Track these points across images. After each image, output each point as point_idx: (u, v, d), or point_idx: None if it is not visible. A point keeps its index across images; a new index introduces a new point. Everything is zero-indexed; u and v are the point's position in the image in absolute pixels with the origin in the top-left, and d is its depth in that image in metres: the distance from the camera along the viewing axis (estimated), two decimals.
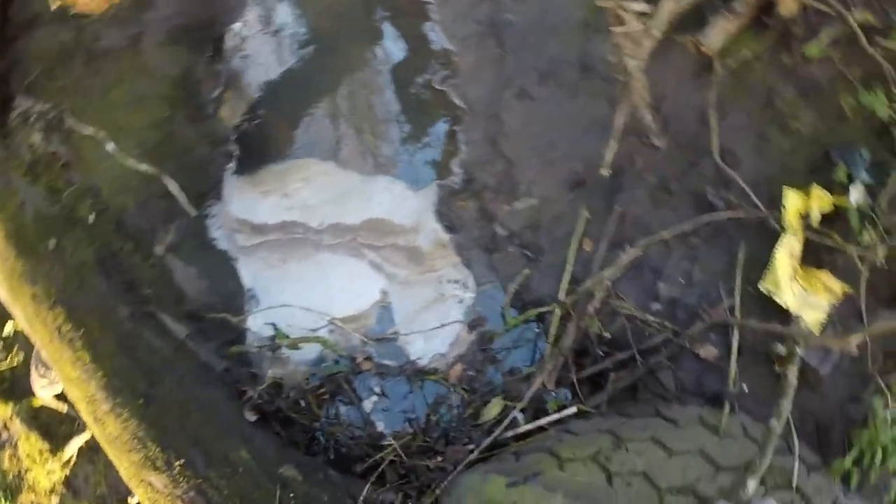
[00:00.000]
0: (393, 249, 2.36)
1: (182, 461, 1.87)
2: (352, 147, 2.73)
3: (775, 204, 2.06)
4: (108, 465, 2.29)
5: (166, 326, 2.29)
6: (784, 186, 2.08)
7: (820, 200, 2.02)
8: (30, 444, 2.41)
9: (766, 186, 2.17)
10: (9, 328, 2.55)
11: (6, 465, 2.47)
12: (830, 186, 2.14)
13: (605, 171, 2.18)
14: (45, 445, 2.42)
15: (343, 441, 2.20)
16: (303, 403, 2.23)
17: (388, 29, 3.09)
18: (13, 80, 2.87)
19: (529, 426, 2.12)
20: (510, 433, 2.10)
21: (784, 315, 2.05)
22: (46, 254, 2.30)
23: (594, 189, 2.27)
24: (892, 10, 2.28)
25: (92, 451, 2.42)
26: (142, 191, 2.58)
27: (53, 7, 3.02)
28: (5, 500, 2.47)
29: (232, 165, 2.68)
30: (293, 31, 3.16)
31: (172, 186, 2.54)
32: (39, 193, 2.56)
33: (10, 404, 2.45)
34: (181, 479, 1.85)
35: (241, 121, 2.90)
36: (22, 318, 2.25)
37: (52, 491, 2.41)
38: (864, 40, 2.20)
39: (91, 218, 2.49)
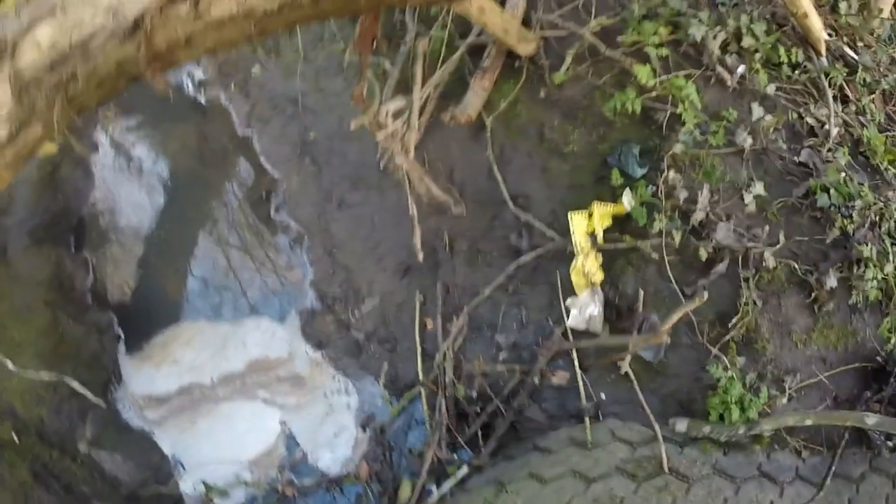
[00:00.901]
0: (277, 381, 2.64)
1: None
2: (250, 274, 2.96)
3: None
4: None
5: None
6: (572, 210, 2.30)
7: (601, 216, 2.27)
8: None
9: (563, 212, 2.41)
10: None
11: None
12: (614, 191, 2.36)
13: (420, 256, 2.44)
14: None
15: None
16: None
17: (235, 159, 3.35)
18: None
19: (436, 496, 2.37)
20: None
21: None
22: None
23: (420, 271, 2.54)
24: (625, 5, 2.48)
25: None
26: (51, 398, 2.84)
27: None
28: None
29: (122, 347, 2.94)
30: (155, 174, 3.40)
31: (77, 385, 2.80)
32: None
33: None
34: None
35: (132, 276, 3.11)
36: None
37: None
38: (602, 47, 2.40)
39: (15, 438, 2.75)
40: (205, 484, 2.61)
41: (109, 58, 1.29)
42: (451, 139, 2.56)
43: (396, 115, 2.43)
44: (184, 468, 2.68)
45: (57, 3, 1.15)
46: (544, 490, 2.16)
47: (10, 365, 2.85)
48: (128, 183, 3.46)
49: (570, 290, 2.37)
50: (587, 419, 2.29)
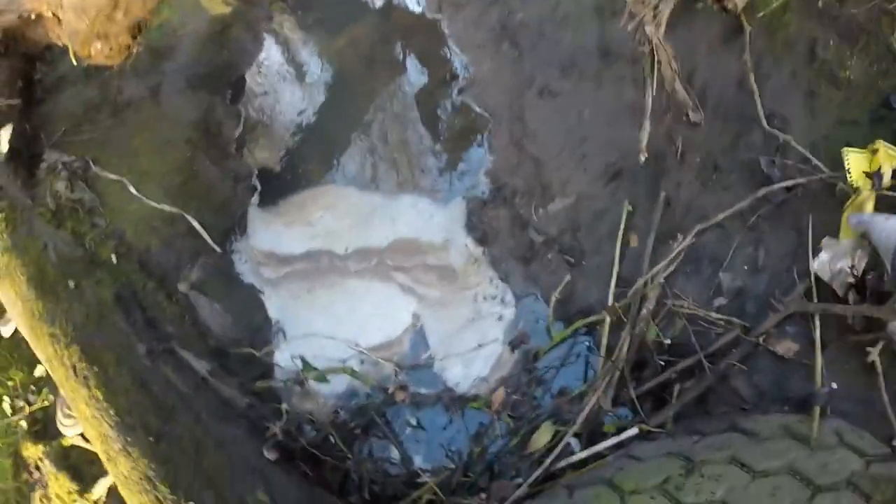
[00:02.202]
0: (423, 269, 2.56)
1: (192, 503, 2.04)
2: (391, 182, 2.97)
3: (838, 165, 2.08)
4: None
5: (188, 363, 2.51)
6: (843, 146, 2.10)
7: (889, 158, 2.02)
8: (59, 484, 2.74)
9: (825, 146, 2.24)
10: (39, 370, 2.95)
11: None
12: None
13: (642, 157, 2.28)
14: (74, 486, 2.74)
15: (377, 479, 2.29)
16: (332, 440, 2.34)
17: (407, 56, 3.39)
18: (42, 138, 3.34)
19: (584, 454, 2.19)
20: (563, 463, 2.22)
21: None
22: (66, 294, 2.65)
23: (634, 178, 2.39)
24: None
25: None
26: (166, 231, 2.96)
27: (76, 63, 3.54)
28: None
29: (255, 199, 3.04)
30: (318, 70, 3.51)
31: (197, 225, 2.84)
32: (63, 238, 2.97)
33: (41, 445, 2.77)
34: None
35: (277, 162, 3.19)
36: (43, 359, 2.58)
37: None
38: None
39: (114, 259, 2.81)
40: (303, 360, 2.54)
41: None
42: (699, 34, 2.44)
43: None
44: (285, 337, 2.64)
45: None
46: (755, 485, 1.90)
47: (131, 189, 2.98)
48: (290, 61, 3.58)
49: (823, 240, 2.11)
50: (816, 409, 1.99)
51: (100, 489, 2.72)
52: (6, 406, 2.99)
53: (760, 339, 2.15)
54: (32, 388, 3.02)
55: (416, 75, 3.38)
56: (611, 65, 2.57)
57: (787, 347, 2.17)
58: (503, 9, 2.99)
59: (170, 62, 3.60)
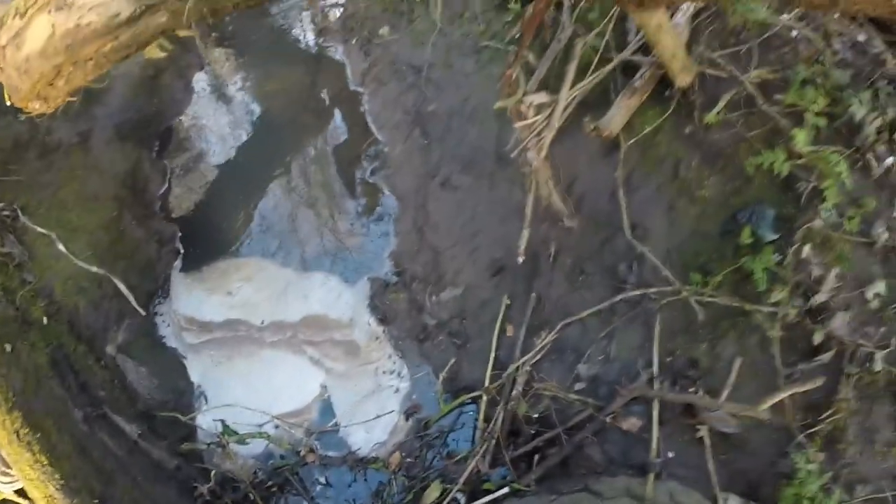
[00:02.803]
0: (331, 344, 3.09)
1: None
2: (309, 222, 3.47)
3: (688, 271, 2.70)
4: None
5: (119, 427, 2.98)
6: (694, 255, 2.72)
7: None
8: None
9: (678, 255, 2.86)
10: None
11: None
12: (739, 248, 2.76)
13: (520, 259, 2.86)
14: None
15: None
16: (252, 497, 2.87)
17: (332, 111, 3.86)
18: None
19: None
20: None
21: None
22: (3, 358, 3.01)
23: (514, 275, 2.99)
24: (789, 65, 2.93)
25: None
26: (93, 291, 3.39)
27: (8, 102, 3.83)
28: None
29: (178, 263, 3.47)
30: (245, 109, 3.94)
31: (122, 287, 3.27)
32: None
33: None
34: None
35: (190, 210, 3.62)
36: None
37: None
38: (761, 100, 2.85)
39: (45, 320, 3.20)
40: (224, 425, 3.04)
41: None
42: (580, 149, 3.04)
43: (538, 109, 2.88)
44: (206, 402, 3.13)
45: None
46: None
47: (61, 247, 3.36)
48: (219, 111, 3.98)
49: (667, 339, 2.75)
50: (651, 475, 2.65)
51: None
52: None
53: (609, 417, 2.82)
54: None
55: (338, 132, 3.87)
56: (504, 168, 3.16)
57: (631, 424, 2.86)
58: (419, 95, 3.52)
59: (101, 106, 3.99)
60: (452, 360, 3.01)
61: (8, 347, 3.10)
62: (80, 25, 2.36)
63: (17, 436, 2.86)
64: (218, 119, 4.06)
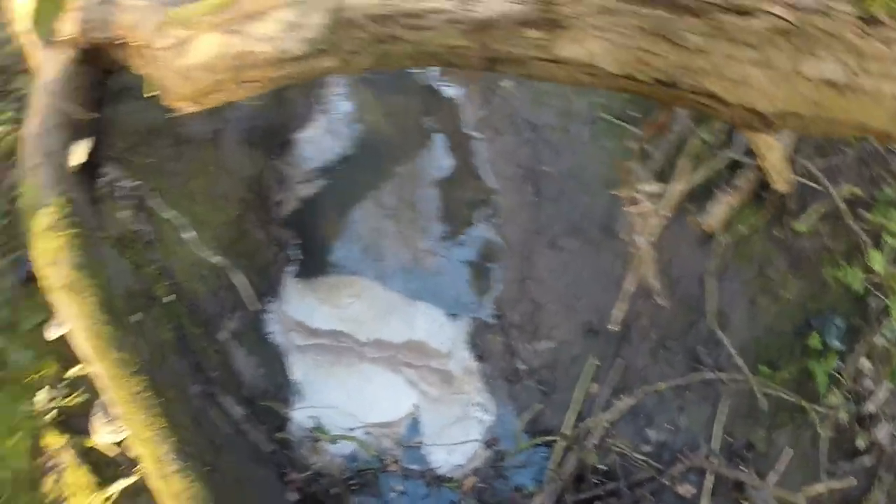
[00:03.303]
0: (428, 370, 3.77)
1: None
2: (415, 253, 4.17)
3: (758, 362, 3.36)
4: None
5: (226, 408, 3.61)
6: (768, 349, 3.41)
7: None
8: (77, 475, 3.65)
9: (753, 347, 3.51)
10: (74, 371, 3.89)
11: (48, 488, 3.61)
12: (807, 350, 3.41)
13: (613, 327, 3.51)
14: (93, 479, 3.58)
15: None
16: (334, 491, 3.51)
17: (441, 148, 4.53)
18: (100, 148, 4.29)
19: None
20: None
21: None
22: (132, 327, 3.66)
23: (605, 339, 3.66)
24: (879, 186, 3.60)
25: (134, 493, 3.62)
26: (212, 281, 4.07)
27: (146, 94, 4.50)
28: None
29: (292, 269, 4.09)
30: (359, 135, 4.63)
31: (241, 281, 3.90)
32: (126, 268, 3.89)
33: (66, 437, 3.75)
34: None
35: (304, 220, 4.34)
36: (101, 375, 3.46)
37: None
38: (848, 216, 3.51)
39: (167, 299, 3.83)
40: (317, 423, 3.66)
41: (444, 40, 2.44)
42: (680, 235, 3.73)
43: (650, 197, 3.55)
44: (303, 398, 3.74)
45: None
46: None
47: (187, 234, 3.97)
48: (335, 130, 4.67)
49: (730, 420, 3.40)
50: None
51: (115, 488, 3.78)
52: (41, 395, 3.92)
53: (668, 481, 3.47)
54: (62, 383, 3.98)
55: (442, 164, 4.53)
56: (610, 239, 3.86)
57: (686, 489, 3.55)
58: (534, 152, 4.22)
59: (233, 109, 4.72)
60: (538, 406, 3.67)
61: (137, 318, 3.75)
62: (251, 52, 2.77)
63: (138, 397, 3.45)
64: (334, 138, 4.77)
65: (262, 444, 3.86)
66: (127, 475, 3.80)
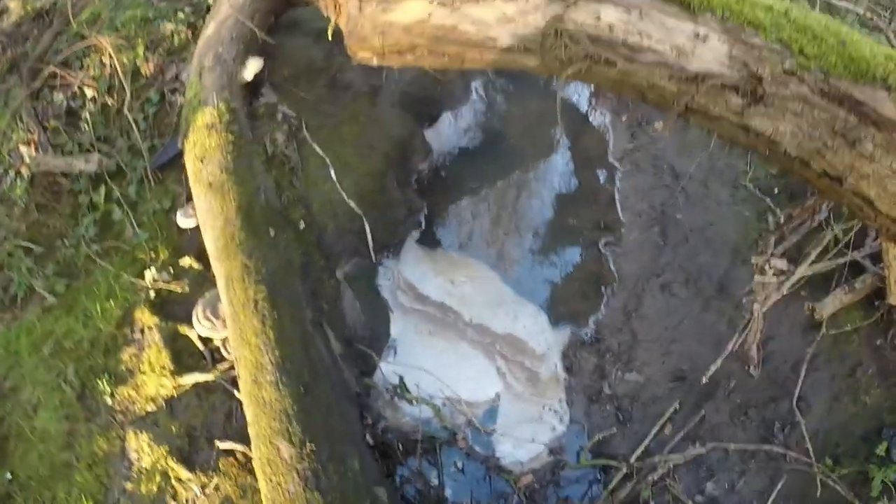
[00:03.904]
0: (519, 366, 4.34)
1: (313, 446, 3.49)
2: (511, 236, 4.70)
3: (825, 453, 3.86)
4: (214, 409, 4.15)
5: (329, 340, 4.21)
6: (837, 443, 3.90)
7: None
8: (156, 356, 4.25)
9: (823, 438, 3.99)
10: (185, 261, 4.59)
11: (125, 357, 4.29)
12: (871, 455, 3.91)
13: (704, 380, 4.05)
14: (171, 365, 4.19)
15: (410, 493, 4.04)
16: (401, 447, 4.09)
17: (566, 156, 5.13)
18: (266, 71, 4.93)
19: None
20: None
21: None
22: (266, 239, 4.21)
23: (690, 388, 4.16)
24: None
25: (205, 391, 4.23)
26: (342, 221, 4.71)
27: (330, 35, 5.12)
28: (107, 382, 4.03)
29: (416, 235, 4.69)
30: (492, 122, 5.23)
31: (367, 231, 4.52)
32: (270, 185, 4.49)
33: (157, 317, 4.37)
34: (305, 458, 3.34)
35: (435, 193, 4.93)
36: (225, 276, 4.08)
37: (152, 399, 4.12)
38: None
39: (301, 224, 4.45)
40: (401, 381, 4.24)
41: (652, 79, 2.87)
42: (788, 315, 4.18)
43: (776, 272, 4.07)
44: (395, 355, 4.34)
45: None
46: None
47: (332, 173, 4.58)
48: (486, 123, 5.29)
49: (783, 496, 3.91)
50: None
51: (188, 380, 4.15)
52: (148, 274, 4.50)
53: None
54: (170, 269, 4.58)
55: (565, 181, 5.12)
56: (721, 299, 4.37)
57: None
58: (670, 197, 4.75)
59: (395, 71, 5.27)
60: (612, 430, 4.21)
61: (272, 232, 4.36)
62: (457, 28, 3.01)
63: (255, 305, 3.88)
64: (477, 127, 5.35)
65: (351, 383, 4.46)
66: (205, 371, 4.37)
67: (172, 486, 3.81)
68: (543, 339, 4.54)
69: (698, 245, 4.69)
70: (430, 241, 4.97)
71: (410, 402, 4.39)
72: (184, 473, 3.84)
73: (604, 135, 5.56)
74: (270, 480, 3.39)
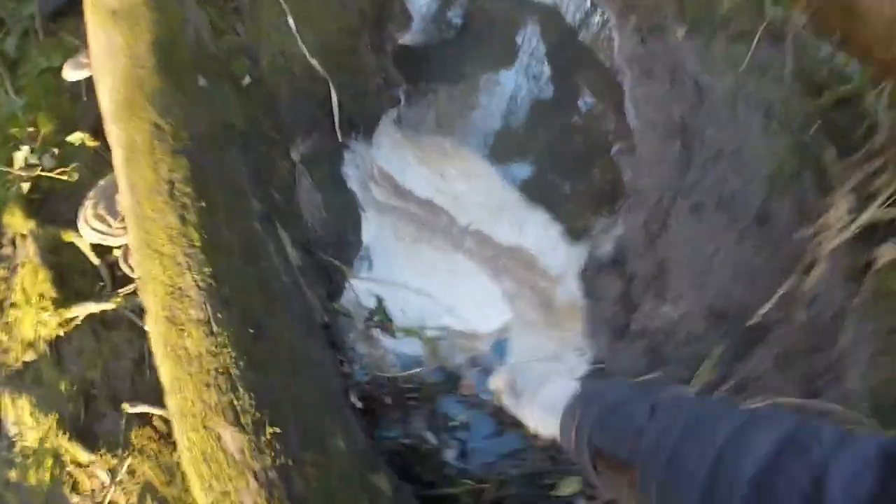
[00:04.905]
0: (530, 289, 3.01)
1: (276, 428, 1.78)
2: (470, 121, 3.41)
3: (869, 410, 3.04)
4: (118, 353, 2.55)
5: (285, 248, 2.68)
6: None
7: None
8: (33, 279, 2.47)
9: (867, 395, 3.14)
10: (75, 137, 2.66)
11: None
12: None
13: (750, 322, 3.06)
14: (51, 291, 2.48)
15: (397, 462, 2.65)
16: (388, 400, 2.69)
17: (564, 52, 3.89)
18: None
19: None
20: None
21: None
22: (192, 89, 2.39)
23: (734, 331, 3.13)
24: None
25: (103, 326, 2.51)
26: (300, 83, 3.00)
27: None
28: None
29: (394, 114, 3.21)
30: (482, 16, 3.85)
31: (334, 97, 2.99)
32: (202, 20, 2.77)
33: (33, 222, 2.52)
34: (267, 450, 1.75)
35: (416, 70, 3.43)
36: (121, 144, 2.26)
37: (30, 345, 2.46)
38: None
39: (246, 80, 2.86)
40: (381, 303, 2.84)
41: None
42: (836, 263, 3.32)
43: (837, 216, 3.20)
44: (371, 268, 2.90)
45: None
46: None
47: (291, 22, 3.05)
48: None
49: None
50: None
51: (79, 311, 2.47)
52: (20, 155, 2.71)
53: None
54: (55, 151, 2.78)
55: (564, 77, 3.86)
56: (759, 233, 3.36)
57: None
58: (692, 113, 3.66)
59: None
60: (658, 374, 3.06)
61: (202, 81, 2.69)
62: None
63: (171, 189, 2.07)
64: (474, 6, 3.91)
65: (316, 310, 2.58)
66: (102, 298, 2.50)
67: (70, 473, 2.11)
68: (557, 256, 3.13)
69: (730, 169, 3.65)
70: (414, 124, 3.34)
71: (393, 334, 2.79)
72: (81, 455, 2.10)
73: (609, 35, 4.10)
74: (210, 488, 1.77)
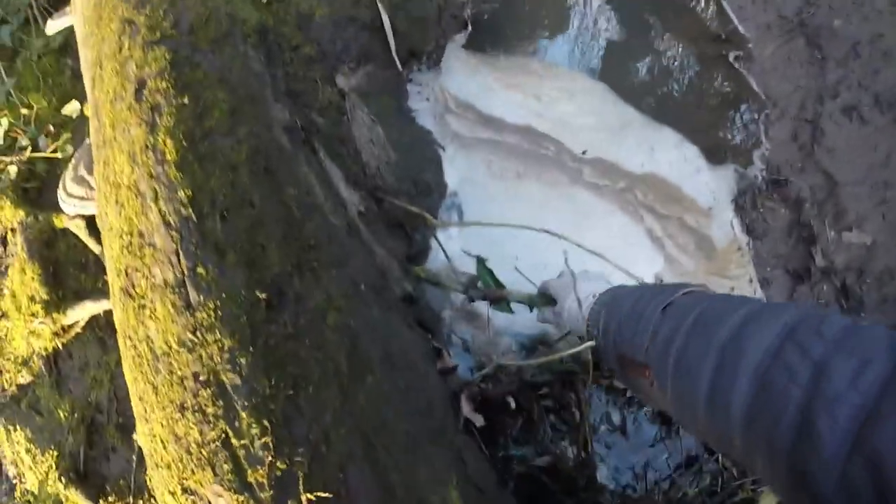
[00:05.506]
0: (679, 226, 2.08)
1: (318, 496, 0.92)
2: (649, 63, 2.49)
3: None
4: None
5: (332, 180, 1.76)
6: None
7: None
8: (22, 279, 1.78)
9: None
10: (70, 108, 1.93)
11: None
12: None
13: None
14: (41, 292, 1.82)
15: (545, 484, 1.75)
16: (512, 403, 1.78)
17: None
18: None
19: None
20: None
21: None
22: None
23: None
24: None
25: (110, 331, 1.84)
26: (341, 7, 2.13)
27: None
28: None
29: (461, 38, 2.29)
30: None
31: (387, 22, 2.12)
32: None
33: (21, 211, 1.79)
34: None
35: None
36: (88, 65, 1.44)
37: (24, 363, 1.87)
38: None
39: None
40: (482, 264, 1.93)
41: None
42: None
43: None
44: (461, 219, 2.00)
45: None
46: None
47: None
48: None
49: None
50: None
51: (78, 314, 1.78)
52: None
53: None
54: (51, 129, 1.99)
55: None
56: None
57: None
58: (806, 6, 2.82)
59: None
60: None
61: None
62: None
63: (142, 87, 1.24)
64: None
65: (392, 272, 1.71)
66: (104, 297, 1.78)
67: None
68: (701, 182, 2.21)
69: (873, 60, 2.80)
70: (491, 44, 2.40)
71: (509, 305, 1.82)
72: None
73: None
74: None
